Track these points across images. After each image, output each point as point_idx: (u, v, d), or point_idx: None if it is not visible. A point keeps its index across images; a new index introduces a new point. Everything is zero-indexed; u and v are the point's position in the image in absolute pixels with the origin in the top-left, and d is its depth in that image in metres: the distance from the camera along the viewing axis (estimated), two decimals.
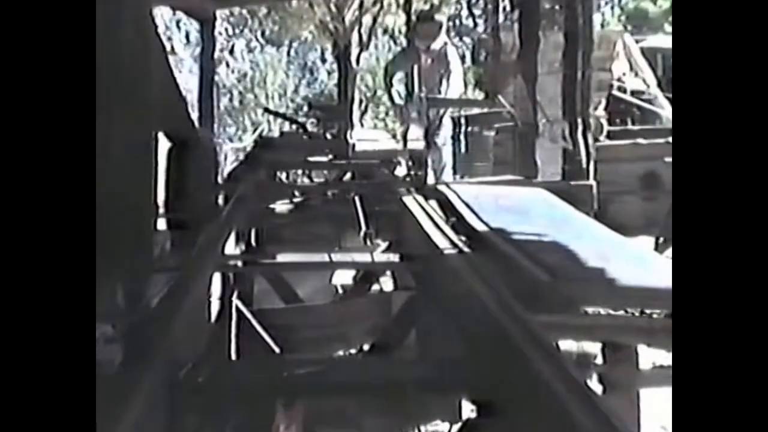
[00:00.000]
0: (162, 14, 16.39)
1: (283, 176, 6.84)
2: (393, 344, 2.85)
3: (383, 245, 3.90)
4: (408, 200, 3.73)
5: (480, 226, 3.16)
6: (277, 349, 3.04)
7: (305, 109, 14.41)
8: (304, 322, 3.26)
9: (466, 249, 2.68)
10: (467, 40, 20.02)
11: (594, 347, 2.47)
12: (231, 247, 3.13)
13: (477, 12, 20.22)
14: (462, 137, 10.63)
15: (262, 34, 19.82)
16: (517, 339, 1.68)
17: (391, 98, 9.31)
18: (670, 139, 6.20)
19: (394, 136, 9.60)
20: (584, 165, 4.83)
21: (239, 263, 3.08)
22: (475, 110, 10.89)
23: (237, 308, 3.04)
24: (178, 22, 18.51)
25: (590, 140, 4.92)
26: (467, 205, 3.52)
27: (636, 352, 2.50)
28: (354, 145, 7.00)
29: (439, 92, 8.38)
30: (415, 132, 7.39)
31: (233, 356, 2.97)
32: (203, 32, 8.26)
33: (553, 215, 3.68)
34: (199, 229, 3.35)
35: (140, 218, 2.29)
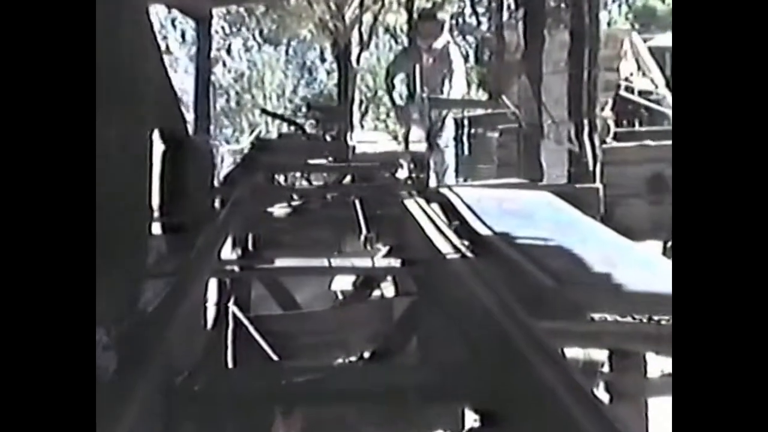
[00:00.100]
0: (157, 12, 16.41)
1: (281, 179, 6.84)
2: (394, 351, 2.85)
3: (384, 250, 3.90)
4: (409, 203, 3.73)
5: (483, 230, 3.17)
6: (275, 357, 3.05)
7: (304, 110, 14.43)
8: (302, 328, 3.26)
9: (469, 253, 2.68)
10: (470, 38, 20.03)
11: (600, 355, 2.47)
12: (228, 252, 3.13)
13: (480, 10, 20.22)
14: (465, 139, 10.64)
15: (260, 32, 19.83)
16: (522, 346, 1.68)
17: (392, 99, 9.31)
18: None
19: (395, 138, 9.61)
20: (590, 167, 4.84)
21: (236, 268, 3.08)
22: (479, 111, 10.90)
23: (234, 315, 3.04)
24: (173, 21, 18.52)
25: (597, 142, 4.93)
26: (470, 209, 3.52)
27: (644, 359, 2.50)
28: (354, 147, 7.00)
29: (442, 92, 8.38)
30: (417, 133, 7.40)
31: (230, 364, 2.97)
32: (199, 31, 8.25)
33: (558, 219, 3.68)
34: (195, 233, 3.35)
35: (135, 222, 2.29)
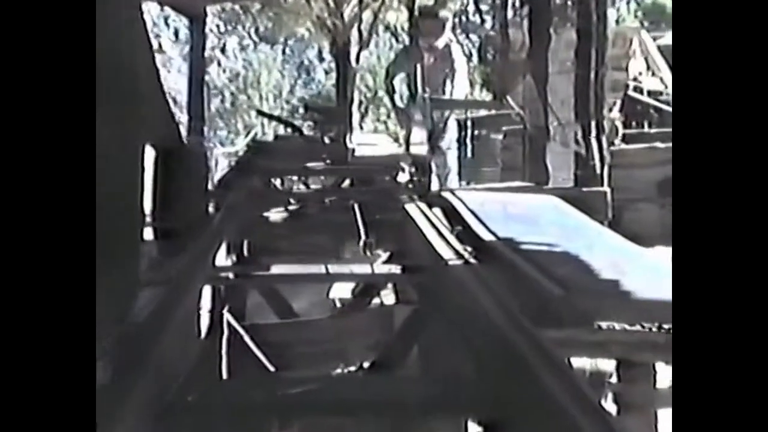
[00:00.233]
0: (149, 10, 16.42)
1: (278, 183, 6.84)
2: (395, 361, 2.85)
3: (384, 256, 3.90)
4: (410, 208, 3.74)
5: (487, 236, 3.17)
6: (271, 367, 3.05)
7: (301, 111, 14.43)
8: (299, 337, 3.26)
9: (472, 260, 2.68)
10: (474, 37, 20.04)
11: (608, 365, 2.48)
12: (222, 259, 3.14)
13: (484, 7, 20.24)
14: (468, 141, 10.65)
15: (256, 31, 19.85)
16: (527, 356, 1.68)
17: (392, 100, 9.31)
18: None
19: (395, 140, 9.60)
20: (598, 170, 4.84)
21: (231, 275, 3.09)
22: (482, 112, 10.91)
23: (228, 323, 3.04)
24: (166, 19, 18.54)
25: (604, 144, 4.93)
26: (473, 213, 3.52)
27: (653, 369, 2.50)
28: (353, 150, 7.01)
29: (444, 93, 8.38)
30: (418, 135, 7.40)
31: (224, 374, 2.97)
32: (193, 29, 8.26)
33: (564, 224, 3.68)
34: (188, 239, 3.35)
35: (126, 227, 2.29)
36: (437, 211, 3.74)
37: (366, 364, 3.17)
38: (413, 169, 5.45)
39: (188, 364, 2.26)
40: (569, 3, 5.38)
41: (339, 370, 3.34)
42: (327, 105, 14.42)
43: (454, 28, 10.27)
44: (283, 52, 20.29)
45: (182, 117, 6.82)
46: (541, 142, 5.30)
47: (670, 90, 11.20)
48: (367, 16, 10.24)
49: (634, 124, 9.95)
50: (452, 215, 3.64)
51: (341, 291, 4.46)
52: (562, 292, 2.45)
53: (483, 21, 20.39)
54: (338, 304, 4.43)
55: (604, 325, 2.39)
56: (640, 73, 10.91)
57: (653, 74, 11.24)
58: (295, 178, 7.79)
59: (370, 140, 9.27)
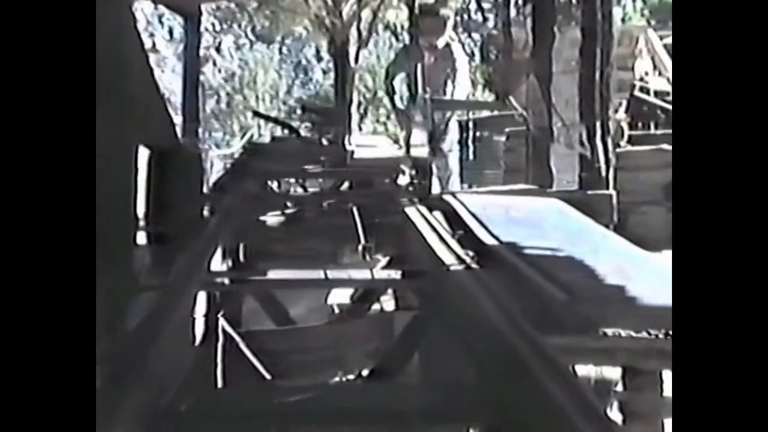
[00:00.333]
0: (142, 8, 16.43)
1: (275, 186, 6.84)
2: (394, 369, 2.85)
3: (384, 261, 3.90)
4: (411, 212, 3.74)
5: (489, 240, 3.17)
6: (267, 375, 3.05)
7: (299, 112, 14.41)
8: (297, 345, 3.26)
9: (474, 265, 2.69)
10: (475, 36, 20.04)
11: (614, 372, 2.47)
12: (217, 263, 3.14)
13: (486, 5, 20.24)
14: (470, 143, 10.66)
15: (252, 29, 19.84)
16: (530, 363, 1.68)
17: (392, 101, 9.31)
18: None
19: (395, 142, 9.60)
20: (603, 173, 4.84)
21: (226, 281, 3.09)
22: (484, 113, 10.91)
23: (224, 330, 3.04)
24: (160, 17, 18.54)
25: (610, 146, 4.93)
26: (475, 217, 3.52)
27: (660, 377, 2.50)
28: (352, 152, 7.01)
29: (445, 93, 8.39)
30: (419, 137, 7.41)
31: (219, 382, 2.97)
32: (188, 28, 8.28)
33: (568, 228, 3.68)
34: (182, 243, 3.35)
35: (119, 231, 2.29)
36: (438, 214, 3.74)
37: (365, 372, 3.17)
38: (413, 172, 5.45)
39: (182, 371, 2.26)
40: (574, 1, 5.39)
41: (337, 378, 3.34)
42: (325, 106, 14.41)
43: (455, 27, 10.28)
44: (280, 51, 20.28)
45: (176, 118, 6.82)
46: (544, 143, 5.30)
47: None
48: (366, 14, 10.25)
49: (640, 125, 9.95)
50: (453, 219, 3.64)
51: (340, 297, 4.45)
52: (567, 297, 2.45)
53: (485, 19, 20.38)
54: (336, 311, 4.43)
55: (609, 331, 2.39)
56: (647, 73, 10.90)
57: (660, 74, 11.22)
58: (292, 180, 7.79)
59: (369, 142, 9.27)
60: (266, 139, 13.89)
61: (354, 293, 4.13)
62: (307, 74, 20.37)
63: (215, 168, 12.50)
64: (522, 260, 2.86)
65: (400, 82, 9.19)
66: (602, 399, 2.35)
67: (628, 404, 2.49)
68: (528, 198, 4.47)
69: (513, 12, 8.25)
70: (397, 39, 18.44)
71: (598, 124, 4.88)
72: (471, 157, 10.63)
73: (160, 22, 18.70)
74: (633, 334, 2.40)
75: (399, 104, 9.19)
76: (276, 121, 14.11)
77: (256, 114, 17.06)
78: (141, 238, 3.67)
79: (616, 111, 7.57)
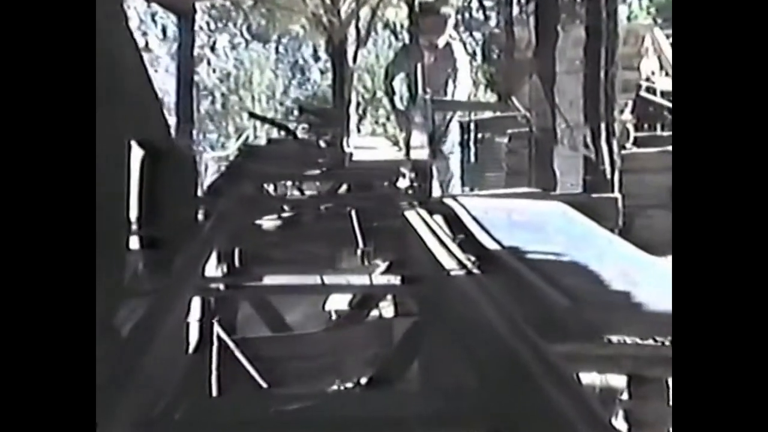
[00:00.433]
0: (135, 6, 16.43)
1: (271, 189, 6.84)
2: (394, 377, 2.85)
3: (383, 266, 3.90)
4: (411, 215, 3.74)
5: (491, 245, 3.17)
6: (263, 383, 3.05)
7: (296, 113, 14.41)
8: (293, 352, 3.26)
9: (475, 270, 2.69)
10: (477, 35, 20.06)
11: (619, 380, 2.48)
12: (212, 269, 3.14)
13: (488, 3, 20.26)
14: (471, 144, 10.65)
15: (248, 28, 19.84)
16: (533, 371, 1.68)
17: (391, 102, 9.32)
18: None
19: (395, 144, 9.61)
20: (608, 175, 4.84)
21: (221, 286, 3.09)
22: (486, 114, 10.91)
23: (218, 337, 3.04)
24: (153, 15, 18.55)
25: (615, 148, 4.93)
26: (477, 221, 3.52)
27: (666, 385, 2.50)
28: (350, 154, 7.00)
29: (446, 94, 8.40)
30: (419, 139, 7.40)
31: (214, 391, 2.97)
32: (181, 26, 8.27)
33: (572, 232, 3.68)
34: (176, 248, 3.35)
35: (111, 236, 2.30)
36: (439, 218, 3.74)
37: (363, 380, 3.17)
38: (413, 174, 5.45)
39: (176, 379, 2.26)
40: None
41: (335, 386, 3.34)
42: (323, 107, 14.42)
43: (456, 26, 10.27)
44: (277, 50, 20.29)
45: (170, 119, 6.82)
46: (547, 145, 5.31)
47: None
48: (364, 12, 10.24)
49: (646, 126, 9.94)
50: (454, 223, 3.64)
51: (338, 303, 4.46)
52: (570, 303, 2.46)
53: (487, 18, 20.40)
54: (334, 317, 4.43)
55: (614, 338, 2.39)
56: (653, 73, 10.88)
57: (667, 74, 11.20)
58: (289, 183, 7.80)
59: (368, 144, 9.27)
60: (262, 140, 13.90)
61: (352, 299, 4.14)
62: (304, 74, 20.37)
63: (210, 170, 12.52)
64: (524, 265, 2.86)
65: (399, 83, 9.21)
66: (607, 408, 2.35)
67: (634, 413, 2.49)
68: (531, 201, 4.48)
69: (515, 10, 8.25)
70: (396, 38, 18.46)
71: (602, 125, 4.88)
72: (472, 159, 10.63)
73: (153, 20, 18.70)
74: (638, 341, 2.40)
75: (398, 105, 9.20)
76: (272, 122, 14.11)
77: (252, 115, 17.06)
78: (134, 242, 3.68)
79: (621, 112, 7.57)
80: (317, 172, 6.54)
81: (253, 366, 3.06)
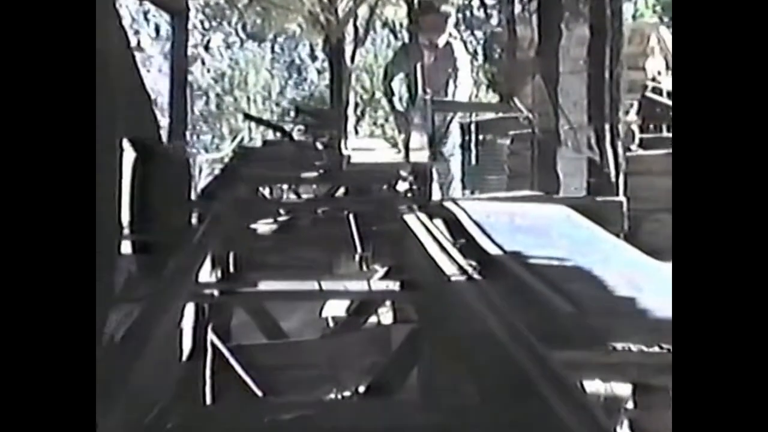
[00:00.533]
0: (127, 4, 16.44)
1: (266, 192, 6.84)
2: (392, 386, 2.85)
3: (381, 271, 3.90)
4: (410, 219, 3.74)
5: (493, 249, 3.17)
6: (258, 392, 3.04)
7: (292, 114, 14.42)
8: (289, 360, 3.26)
9: (476, 275, 2.69)
10: (478, 34, 20.08)
11: (624, 389, 2.47)
12: (206, 274, 3.14)
13: (489, 2, 20.28)
14: (472, 146, 10.66)
15: (243, 27, 19.85)
16: (536, 379, 1.68)
17: (390, 103, 9.32)
18: None
19: (394, 146, 9.61)
20: (613, 178, 4.84)
21: (215, 292, 3.08)
22: (488, 115, 10.91)
23: (212, 344, 3.04)
24: (145, 14, 18.56)
25: (620, 150, 4.93)
26: (478, 225, 3.52)
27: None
28: (348, 156, 7.01)
29: (446, 94, 8.39)
30: (419, 140, 7.40)
31: (208, 399, 2.97)
32: (175, 25, 8.25)
33: (576, 236, 3.69)
34: (169, 252, 3.35)
35: (101, 240, 2.29)
36: (439, 222, 3.74)
37: (361, 389, 3.17)
38: (413, 177, 5.45)
39: (168, 388, 2.26)
40: None
41: (332, 395, 3.34)
42: (320, 107, 14.44)
43: (456, 24, 10.28)
44: (273, 50, 20.29)
45: (163, 120, 6.82)
46: (551, 147, 5.31)
47: None
48: (363, 11, 10.25)
49: (652, 127, 9.94)
50: (455, 227, 3.64)
51: (335, 309, 4.45)
52: (574, 310, 2.46)
53: (488, 16, 20.42)
54: (331, 324, 4.43)
55: (619, 345, 2.39)
56: (659, 73, 10.88)
57: None
58: (285, 186, 7.80)
59: (366, 145, 9.29)
60: (257, 142, 13.92)
61: (350, 305, 4.13)
62: (301, 74, 20.38)
63: (204, 173, 12.52)
64: (527, 270, 2.86)
65: (398, 83, 9.20)
66: (612, 417, 2.35)
67: (640, 423, 2.49)
68: (533, 205, 4.48)
69: (518, 8, 8.26)
70: (395, 37, 18.48)
71: (607, 126, 4.88)
72: (473, 161, 10.64)
73: (146, 18, 18.72)
74: (644, 348, 2.40)
75: (398, 106, 9.19)
76: (268, 123, 14.14)
77: (247, 116, 17.07)
78: (126, 246, 3.68)
79: (626, 113, 7.57)
80: (314, 174, 6.54)
81: (248, 374, 3.06)
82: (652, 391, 2.45)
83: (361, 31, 10.11)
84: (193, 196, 5.11)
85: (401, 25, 15.77)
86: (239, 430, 1.92)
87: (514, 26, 7.93)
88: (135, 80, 3.44)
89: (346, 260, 3.92)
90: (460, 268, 2.77)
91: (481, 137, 10.84)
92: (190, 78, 9.05)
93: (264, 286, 3.12)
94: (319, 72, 19.75)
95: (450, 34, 8.70)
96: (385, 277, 3.73)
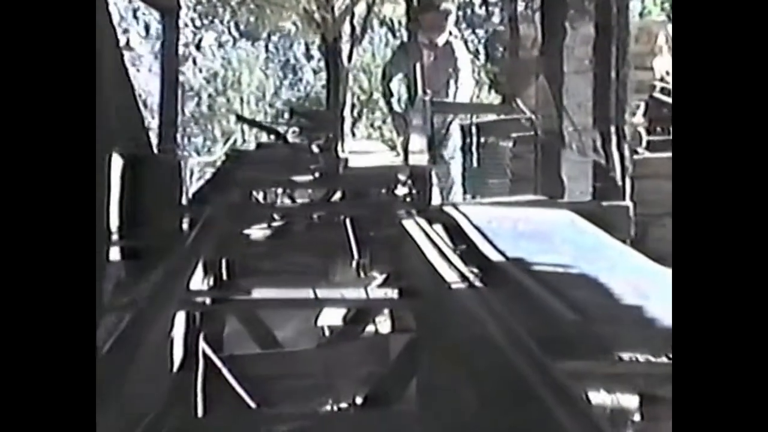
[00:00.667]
0: (116, 2, 16.45)
1: (260, 196, 6.85)
2: (390, 396, 2.85)
3: (379, 278, 3.90)
4: (409, 224, 3.74)
5: (494, 256, 3.17)
6: (252, 403, 3.05)
7: (287, 115, 14.46)
8: (284, 370, 3.26)
9: (477, 282, 2.69)
10: (480, 32, 20.10)
11: (631, 400, 2.47)
12: (198, 281, 3.14)
13: None
14: (473, 149, 10.64)
15: (236, 25, 19.87)
16: (539, 390, 1.69)
17: (389, 104, 9.31)
18: None
19: (392, 148, 9.63)
20: (619, 182, 4.84)
21: (207, 300, 3.09)
22: (489, 117, 10.91)
23: (204, 354, 3.04)
24: (135, 12, 18.58)
25: (626, 152, 4.93)
26: (479, 231, 3.53)
27: None
28: (345, 159, 7.02)
29: (446, 95, 8.40)
30: (418, 143, 7.41)
31: (200, 411, 2.97)
32: (165, 23, 8.26)
33: (581, 242, 3.69)
34: (159, 259, 3.36)
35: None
36: (439, 227, 3.74)
37: (358, 400, 3.17)
38: (412, 181, 5.46)
39: (159, 400, 2.26)
40: None
41: (328, 407, 3.34)
42: (315, 109, 14.46)
43: (457, 22, 10.29)
44: (267, 49, 20.31)
45: (153, 122, 6.83)
46: (555, 150, 5.30)
47: None
48: (360, 8, 10.27)
49: (659, 129, 9.94)
50: (455, 232, 3.64)
51: (331, 317, 4.45)
52: (579, 318, 2.46)
53: (490, 14, 20.44)
54: (327, 333, 4.43)
55: (625, 355, 2.39)
56: (668, 73, 10.89)
57: None
58: (279, 190, 7.80)
59: (363, 148, 9.30)
60: (251, 145, 13.93)
61: (347, 314, 4.14)
62: (296, 74, 20.40)
63: (195, 176, 12.52)
64: (530, 277, 2.86)
65: (397, 83, 9.20)
66: (618, 429, 2.35)
67: None
68: (537, 209, 4.48)
69: (520, 6, 8.27)
70: (394, 36, 18.50)
71: (613, 128, 4.88)
72: (474, 164, 10.62)
73: (135, 16, 18.74)
74: (651, 358, 2.40)
75: (396, 107, 9.19)
76: (261, 125, 14.14)
77: (240, 118, 17.09)
78: (114, 253, 3.68)
79: (633, 114, 7.59)
80: (309, 178, 6.55)
81: (241, 385, 3.06)
82: (659, 402, 2.45)
83: (358, 29, 10.13)
84: (184, 201, 5.11)
85: (400, 23, 15.81)
86: None
87: (517, 24, 7.95)
88: (123, 81, 3.44)
89: (343, 267, 3.92)
90: (461, 275, 2.77)
91: (482, 139, 10.81)
92: (181, 78, 9.04)
93: (257, 293, 3.12)
94: (314, 72, 19.77)
95: (450, 33, 8.70)
96: (383, 284, 3.73)
